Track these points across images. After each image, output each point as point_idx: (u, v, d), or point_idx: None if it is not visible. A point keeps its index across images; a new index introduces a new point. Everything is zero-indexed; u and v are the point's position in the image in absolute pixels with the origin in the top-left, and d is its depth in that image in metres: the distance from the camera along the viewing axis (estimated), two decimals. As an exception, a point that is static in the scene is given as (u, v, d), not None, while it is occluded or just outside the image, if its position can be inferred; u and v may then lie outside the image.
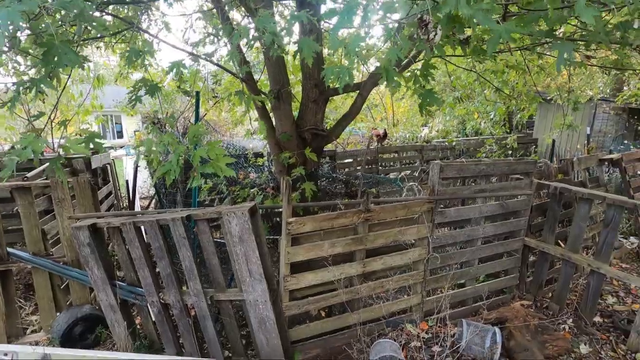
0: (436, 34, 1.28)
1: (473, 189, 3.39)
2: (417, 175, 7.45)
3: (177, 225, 2.62)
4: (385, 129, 7.36)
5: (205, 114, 7.87)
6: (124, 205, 6.08)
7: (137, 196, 6.04)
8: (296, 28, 3.56)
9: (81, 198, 3.40)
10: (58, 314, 3.36)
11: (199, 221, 2.67)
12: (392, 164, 7.72)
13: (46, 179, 3.56)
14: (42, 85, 1.51)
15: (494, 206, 3.49)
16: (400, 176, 7.05)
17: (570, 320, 3.42)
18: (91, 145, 1.73)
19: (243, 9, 3.58)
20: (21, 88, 1.56)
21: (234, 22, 3.52)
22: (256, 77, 4.89)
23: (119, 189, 6.16)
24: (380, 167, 7.39)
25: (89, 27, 1.95)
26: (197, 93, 4.15)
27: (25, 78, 1.82)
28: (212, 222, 2.76)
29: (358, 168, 6.78)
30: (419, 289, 3.31)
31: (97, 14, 2.85)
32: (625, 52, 2.60)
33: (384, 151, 7.44)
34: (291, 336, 2.92)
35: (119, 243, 2.85)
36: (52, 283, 3.40)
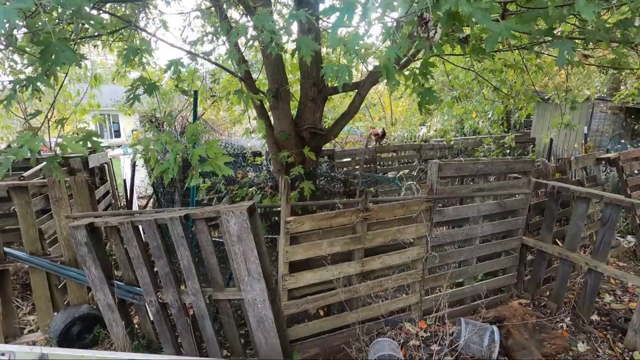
0: (436, 32, 1.28)
1: (471, 188, 3.40)
2: (415, 174, 7.46)
3: (175, 224, 2.61)
4: (383, 128, 7.36)
5: (204, 113, 7.85)
6: (122, 204, 6.06)
7: (135, 195, 6.02)
8: (295, 27, 3.55)
9: (78, 197, 3.39)
10: (55, 313, 3.34)
11: (197, 220, 2.66)
12: (390, 163, 7.72)
13: (43, 178, 3.54)
14: (38, 84, 1.50)
15: (492, 205, 3.50)
16: (398, 175, 7.06)
17: (568, 318, 3.44)
18: (89, 144, 1.73)
19: (241, 7, 3.57)
20: (17, 86, 1.54)
21: (232, 21, 3.50)
22: (254, 76, 4.88)
23: (117, 188, 6.14)
24: (378, 167, 7.39)
25: (86, 26, 1.94)
26: (195, 92, 4.14)
27: (22, 77, 1.81)
28: (211, 221, 2.75)
29: (356, 167, 6.78)
30: (418, 288, 3.31)
31: (94, 12, 2.83)
32: (623, 52, 2.60)
33: (383, 150, 7.44)
34: (290, 335, 2.92)
35: (117, 242, 2.84)
36: (50, 283, 3.39)
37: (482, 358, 2.91)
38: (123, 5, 3.74)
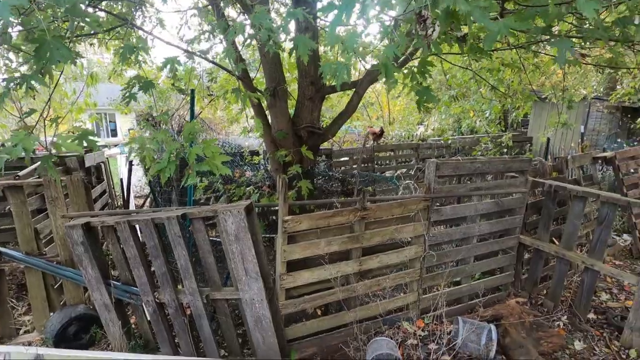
0: (434, 29, 1.28)
1: (469, 187, 3.40)
2: (413, 173, 7.47)
3: (173, 224, 2.60)
4: (382, 127, 7.36)
5: (201, 112, 7.82)
6: (119, 204, 6.03)
7: (132, 195, 5.99)
8: (292, 26, 3.54)
9: (74, 197, 3.37)
10: (52, 314, 3.32)
11: (195, 220, 2.65)
12: (388, 162, 7.72)
13: (39, 177, 3.51)
14: (32, 82, 1.48)
15: (490, 204, 3.51)
16: (396, 174, 7.07)
17: (565, 317, 3.45)
18: (84, 143, 1.71)
19: (239, 5, 3.55)
20: (11, 84, 1.52)
21: (230, 19, 3.48)
22: (252, 75, 4.86)
23: (114, 188, 6.11)
24: (376, 166, 7.39)
25: (82, 23, 1.92)
26: (192, 91, 4.12)
27: (17, 75, 1.78)
28: (208, 220, 2.74)
29: (354, 166, 6.78)
30: (416, 287, 3.31)
31: (90, 9, 2.81)
32: (619, 51, 2.61)
33: (380, 149, 7.44)
34: (287, 334, 2.91)
35: (114, 242, 2.83)
36: (46, 283, 3.36)
37: (479, 357, 2.91)
38: (119, 3, 3.72)
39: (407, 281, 3.28)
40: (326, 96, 4.04)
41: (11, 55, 3.56)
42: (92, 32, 2.82)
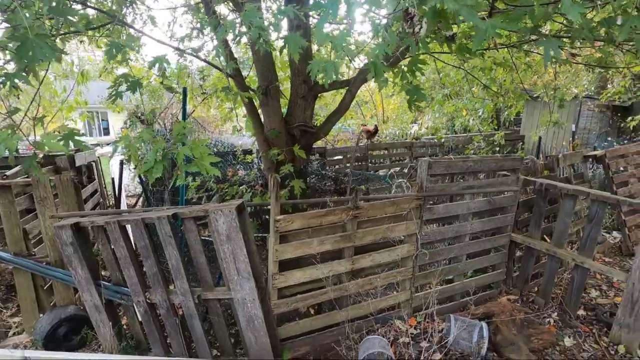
0: (421, 27, 1.27)
1: (461, 186, 3.42)
2: (405, 171, 7.49)
3: (163, 223, 2.58)
4: (375, 125, 7.36)
5: (193, 111, 7.76)
6: (110, 203, 5.97)
7: (124, 194, 5.93)
8: (285, 24, 3.52)
9: (64, 196, 3.32)
10: (41, 315, 3.28)
11: (186, 219, 2.63)
12: (382, 160, 7.74)
13: (27, 177, 3.46)
14: (16, 80, 1.45)
15: (482, 202, 3.53)
16: (389, 173, 7.07)
17: (555, 313, 3.49)
18: (70, 143, 1.68)
19: (230, 3, 3.52)
20: (-5, 83, 1.50)
21: (221, 17, 3.45)
22: (245, 73, 4.83)
23: (105, 187, 6.04)
24: (370, 164, 7.40)
25: (71, 20, 1.88)
26: (184, 89, 4.09)
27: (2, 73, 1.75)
28: (200, 220, 2.72)
29: (348, 165, 6.79)
30: (408, 285, 3.33)
31: (78, 6, 2.76)
32: (609, 50, 2.63)
33: (374, 148, 7.46)
34: (280, 334, 2.91)
35: (104, 242, 2.80)
36: (35, 284, 3.32)
37: (471, 354, 2.93)
38: (109, 0, 3.67)
39: (400, 280, 3.29)
40: (320, 95, 4.03)
41: (-2, 53, 3.50)
42: (82, 29, 2.77)
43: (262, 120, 3.76)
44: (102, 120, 22.36)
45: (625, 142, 7.98)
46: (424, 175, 3.13)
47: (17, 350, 1.86)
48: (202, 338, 2.82)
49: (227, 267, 2.59)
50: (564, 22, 2.50)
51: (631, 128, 7.70)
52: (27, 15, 1.80)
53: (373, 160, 7.55)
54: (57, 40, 3.36)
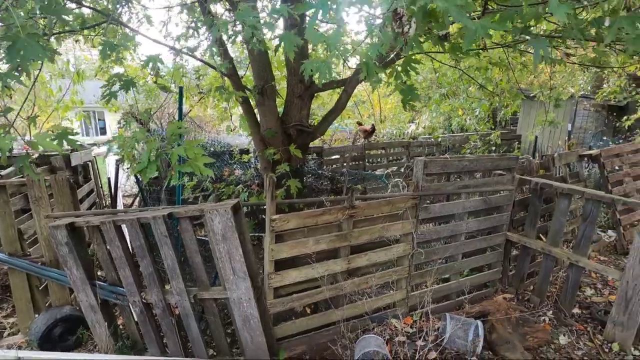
0: (410, 27, 1.28)
1: (457, 185, 3.43)
2: (402, 171, 7.51)
3: (159, 223, 2.57)
4: (373, 124, 7.37)
5: (190, 111, 7.74)
6: (107, 203, 5.94)
7: (120, 194, 5.91)
8: (281, 24, 3.52)
9: (59, 196, 3.31)
10: (36, 315, 3.27)
11: (182, 219, 2.62)
12: (379, 160, 7.75)
13: (22, 177, 3.44)
14: (8, 80, 1.44)
15: (477, 202, 3.54)
16: (386, 172, 7.09)
17: (551, 312, 3.51)
18: (64, 143, 1.67)
19: (227, 2, 3.51)
20: (-13, 82, 1.49)
21: (217, 16, 3.44)
22: (242, 73, 4.82)
23: (102, 187, 6.02)
24: (367, 164, 7.41)
25: (64, 19, 1.87)
26: (180, 89, 4.08)
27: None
28: (196, 220, 2.72)
29: (345, 164, 6.79)
30: (404, 285, 3.34)
31: (73, 5, 2.75)
32: (602, 51, 2.65)
33: (371, 147, 7.47)
34: (276, 333, 2.91)
35: (99, 242, 2.79)
36: (30, 284, 3.31)
37: (466, 352, 2.95)
38: (105, -1, 3.65)
39: (396, 279, 3.30)
40: (316, 94, 4.03)
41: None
42: (73, 29, 2.76)
43: (259, 119, 3.76)
44: (99, 119, 22.26)
45: (621, 141, 8.03)
46: (420, 174, 3.14)
47: (10, 351, 1.85)
48: (198, 338, 2.81)
49: (222, 267, 2.59)
50: (558, 22, 2.50)
51: (626, 127, 7.74)
52: (22, 14, 1.80)
53: (370, 160, 7.56)
54: (52, 39, 3.34)
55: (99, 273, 3.37)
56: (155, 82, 2.62)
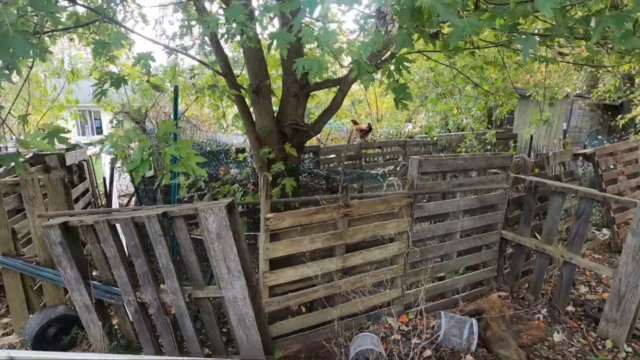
0: (394, 25, 1.28)
1: (451, 183, 3.44)
2: (398, 169, 7.52)
3: (153, 222, 2.57)
4: (369, 123, 7.37)
5: (186, 110, 7.72)
6: (102, 203, 5.92)
7: (116, 194, 5.89)
8: (277, 23, 3.51)
9: (53, 196, 3.29)
10: (31, 315, 3.25)
11: (176, 218, 2.62)
12: (376, 159, 7.75)
13: (16, 176, 3.42)
14: (-2, 78, 1.43)
15: (472, 200, 3.56)
16: (382, 171, 7.10)
17: (545, 309, 3.53)
18: (55, 141, 1.66)
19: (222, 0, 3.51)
20: (-23, 80, 1.47)
21: (213, 14, 3.43)
22: (238, 72, 4.81)
23: (97, 187, 6.00)
24: (364, 163, 7.42)
25: (56, 17, 1.86)
26: (176, 87, 4.07)
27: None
28: (191, 219, 2.72)
29: (342, 163, 6.79)
30: (399, 283, 3.34)
31: (66, 3, 2.74)
32: (595, 49, 2.66)
33: (368, 146, 7.47)
34: (272, 332, 2.91)
35: (93, 242, 2.78)
36: (24, 284, 3.29)
37: (461, 350, 2.96)
38: (98, -3, 3.64)
39: (391, 277, 3.31)
40: (313, 94, 4.03)
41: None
42: (64, 27, 2.74)
43: (254, 118, 3.76)
44: (95, 119, 22.15)
45: (616, 140, 8.08)
46: (415, 173, 3.15)
47: (2, 351, 1.85)
48: (193, 337, 2.81)
49: (217, 266, 2.59)
50: (548, 20, 2.52)
51: (621, 126, 7.79)
52: (14, 12, 1.78)
53: (367, 159, 7.56)
54: (46, 38, 3.33)
55: (93, 273, 3.37)
56: (148, 82, 2.61)
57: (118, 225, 2.74)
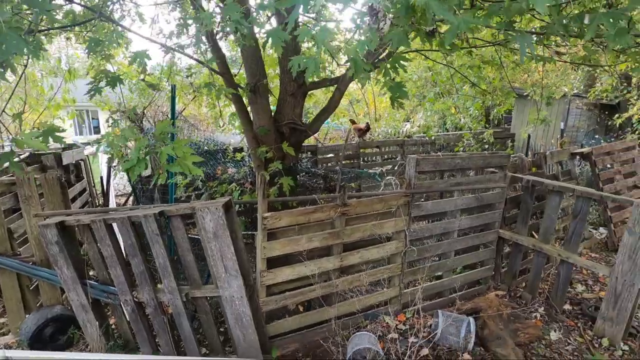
0: (385, 23, 1.28)
1: (449, 183, 3.44)
2: (396, 169, 7.52)
3: (150, 221, 2.56)
4: (367, 123, 7.37)
5: (184, 109, 7.71)
6: (99, 202, 5.91)
7: (113, 193, 5.87)
8: (274, 22, 3.51)
9: (49, 195, 3.28)
10: (27, 315, 3.24)
11: (173, 217, 2.61)
12: (374, 158, 7.76)
13: (12, 175, 3.41)
14: (-8, 76, 1.42)
15: (470, 199, 3.56)
16: (379, 171, 7.10)
17: (542, 308, 3.54)
18: (50, 140, 1.66)
19: None
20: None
21: (210, 12, 3.42)
22: (236, 71, 4.81)
23: (94, 186, 5.98)
24: (362, 162, 7.42)
25: (50, 14, 1.85)
26: (173, 87, 4.06)
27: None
28: (189, 218, 2.71)
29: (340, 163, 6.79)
30: (397, 282, 3.35)
31: (61, 1, 2.73)
32: (591, 48, 2.67)
33: (366, 146, 7.47)
34: (269, 331, 2.91)
35: (90, 241, 2.77)
36: (21, 284, 3.28)
37: (458, 349, 2.97)
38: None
39: (389, 276, 3.31)
40: (311, 93, 4.03)
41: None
42: (66, 25, 2.73)
43: (252, 118, 3.75)
44: (93, 118, 22.07)
45: (613, 139, 8.10)
46: (412, 172, 3.15)
47: (-3, 350, 1.84)
48: (190, 336, 2.80)
49: (214, 265, 2.58)
50: (544, 18, 2.51)
51: (618, 126, 7.82)
52: (8, 9, 1.77)
53: (365, 158, 7.56)
54: (42, 37, 3.31)
55: (90, 272, 3.36)
56: (143, 80, 2.60)
57: (115, 225, 2.73)
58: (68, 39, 4.72)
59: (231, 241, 2.51)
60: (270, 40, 1.66)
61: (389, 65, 1.75)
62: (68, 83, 5.73)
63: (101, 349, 2.90)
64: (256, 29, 3.10)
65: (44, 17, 1.79)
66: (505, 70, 4.49)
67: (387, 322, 3.24)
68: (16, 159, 3.90)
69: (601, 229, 5.42)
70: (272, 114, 3.76)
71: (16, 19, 1.51)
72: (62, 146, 4.53)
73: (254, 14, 1.93)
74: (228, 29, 1.66)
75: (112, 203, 5.64)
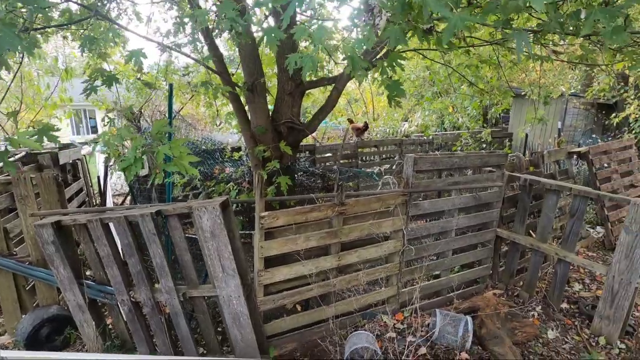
0: (381, 19, 1.28)
1: (446, 182, 3.44)
2: (394, 168, 7.53)
3: (147, 221, 2.54)
4: (365, 122, 7.36)
5: (182, 108, 7.68)
6: (97, 202, 5.88)
7: (110, 193, 5.85)
8: (272, 22, 3.50)
9: (46, 194, 3.26)
10: (23, 316, 3.22)
11: (170, 217, 2.60)
12: (372, 158, 7.76)
13: (8, 175, 3.39)
14: (-14, 73, 1.41)
15: (467, 198, 3.56)
16: (377, 170, 7.10)
17: (539, 307, 3.55)
18: (45, 139, 1.64)
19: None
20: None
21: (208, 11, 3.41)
22: (234, 70, 4.79)
23: (92, 186, 5.95)
24: (360, 161, 7.42)
25: (45, 12, 1.84)
26: (170, 86, 4.03)
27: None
28: (186, 218, 2.70)
29: (337, 162, 6.78)
30: (395, 281, 3.35)
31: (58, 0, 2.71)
32: (588, 47, 2.67)
33: (364, 145, 7.47)
34: (267, 331, 2.90)
35: (86, 241, 2.75)
36: (17, 284, 3.26)
37: (456, 348, 2.97)
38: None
39: (386, 275, 3.31)
40: (309, 92, 4.03)
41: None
42: (62, 23, 2.71)
43: (249, 117, 3.74)
44: (90, 118, 21.99)
45: (610, 139, 8.13)
46: (410, 171, 3.15)
47: (-8, 351, 1.82)
48: (187, 336, 2.79)
49: (212, 264, 2.57)
50: (541, 16, 2.51)
51: (615, 125, 7.85)
52: (2, 7, 1.76)
53: (363, 158, 7.56)
54: (38, 35, 3.29)
55: (87, 272, 3.34)
56: (139, 79, 2.59)
57: (111, 224, 2.72)
58: (65, 37, 4.69)
59: (228, 240, 2.50)
60: (265, 38, 1.66)
61: (386, 64, 1.75)
62: (65, 82, 5.70)
63: (98, 349, 2.89)
64: (253, 28, 3.09)
65: (40, 15, 1.77)
66: (503, 70, 4.49)
67: (385, 321, 3.24)
68: (12, 159, 3.89)
69: (598, 228, 5.44)
70: (270, 113, 3.75)
71: (10, 17, 1.50)
72: (58, 145, 4.51)
73: (250, 11, 1.92)
74: (222, 26, 1.65)
75: (109, 203, 5.61)
